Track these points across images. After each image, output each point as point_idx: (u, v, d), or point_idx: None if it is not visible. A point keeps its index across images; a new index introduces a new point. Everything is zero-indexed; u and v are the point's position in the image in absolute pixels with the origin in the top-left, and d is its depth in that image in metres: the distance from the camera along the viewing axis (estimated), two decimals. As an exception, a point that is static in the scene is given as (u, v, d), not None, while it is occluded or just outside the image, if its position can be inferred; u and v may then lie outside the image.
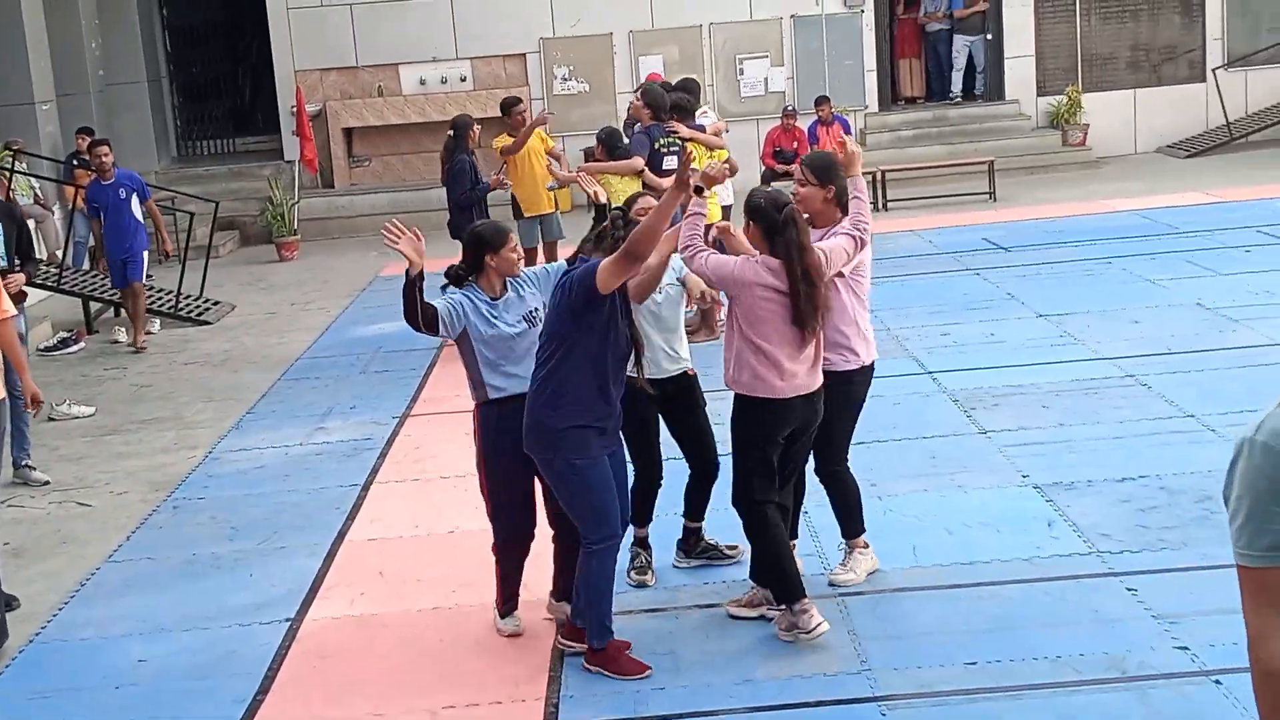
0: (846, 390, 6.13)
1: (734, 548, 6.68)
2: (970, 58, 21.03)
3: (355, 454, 9.23)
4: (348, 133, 20.36)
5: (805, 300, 5.65)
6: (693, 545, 6.75)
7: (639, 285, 5.74)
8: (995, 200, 17.78)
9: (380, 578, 7.08)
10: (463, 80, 20.32)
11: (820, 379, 5.90)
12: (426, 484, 8.51)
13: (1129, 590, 6.18)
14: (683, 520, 6.75)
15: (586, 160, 13.96)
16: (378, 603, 6.77)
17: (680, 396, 6.49)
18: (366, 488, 8.52)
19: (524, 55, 20.31)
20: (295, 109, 19.60)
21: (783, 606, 5.91)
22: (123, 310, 14.28)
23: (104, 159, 13.09)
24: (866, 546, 6.51)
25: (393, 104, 20.21)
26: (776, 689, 5.53)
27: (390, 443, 9.42)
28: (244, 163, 21.07)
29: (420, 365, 11.41)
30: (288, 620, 6.62)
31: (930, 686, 5.48)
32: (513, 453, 5.78)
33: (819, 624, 5.80)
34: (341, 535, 7.72)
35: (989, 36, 20.78)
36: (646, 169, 10.81)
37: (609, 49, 20.30)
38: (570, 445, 5.57)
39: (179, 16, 22.19)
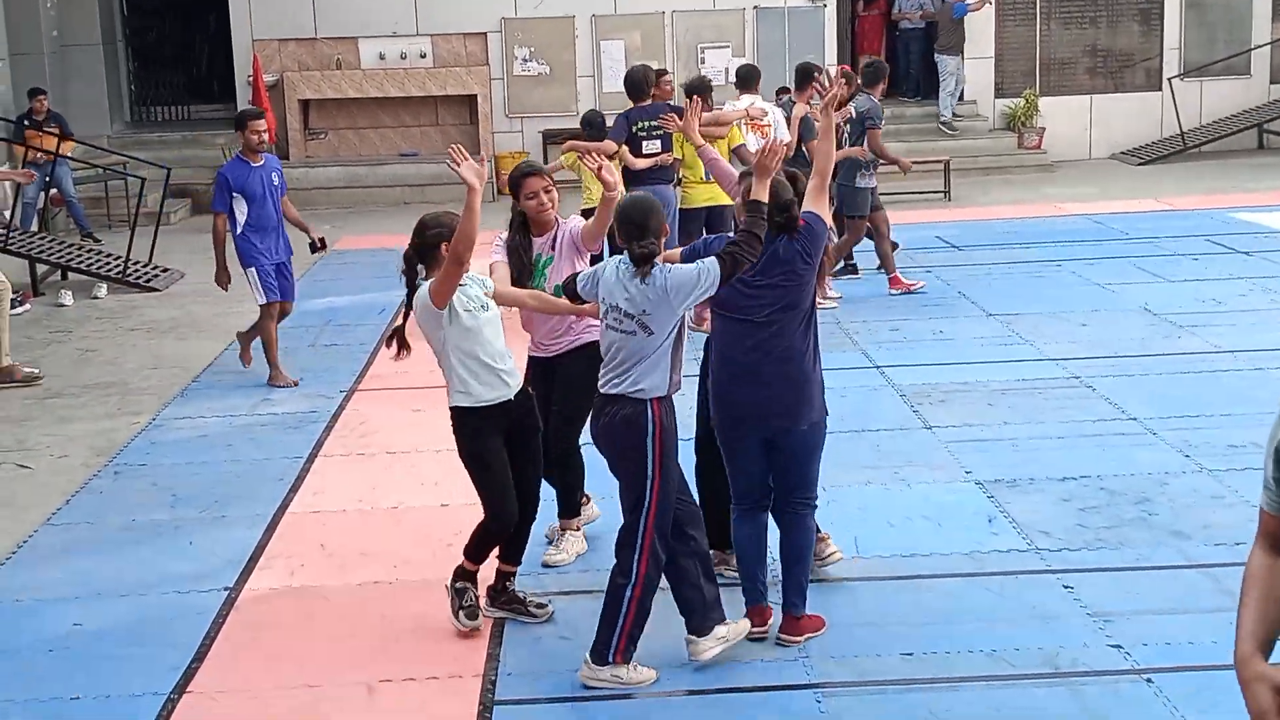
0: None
1: (543, 607, 6.09)
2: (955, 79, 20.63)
3: (300, 426, 9.18)
4: (304, 105, 20.19)
5: None
6: (499, 591, 6.11)
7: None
8: (950, 199, 17.88)
9: (321, 550, 7.05)
10: (422, 56, 20.21)
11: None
12: (371, 459, 8.47)
13: (1066, 588, 6.24)
14: (497, 563, 6.10)
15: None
16: (318, 575, 6.74)
17: (522, 418, 5.94)
18: (310, 460, 8.47)
19: (485, 34, 20.22)
20: (252, 78, 19.42)
21: None
22: (67, 274, 14.13)
23: (262, 135, 10.07)
24: (579, 529, 6.75)
25: (351, 78, 20.08)
26: (716, 674, 5.55)
27: (336, 417, 9.37)
28: (198, 130, 20.86)
29: (370, 340, 11.35)
30: (226, 590, 6.57)
31: (867, 675, 5.52)
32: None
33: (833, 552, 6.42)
34: (284, 507, 7.67)
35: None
36: (626, 152, 10.89)
37: (571, 32, 20.24)
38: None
39: (137, -20, 21.96)
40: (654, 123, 10.93)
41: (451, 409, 5.87)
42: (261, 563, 6.91)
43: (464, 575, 5.99)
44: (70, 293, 13.54)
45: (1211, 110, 20.98)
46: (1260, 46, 20.90)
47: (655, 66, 13.18)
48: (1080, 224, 15.61)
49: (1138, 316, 11.21)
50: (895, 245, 12.78)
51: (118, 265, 14.16)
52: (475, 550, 5.99)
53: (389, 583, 6.59)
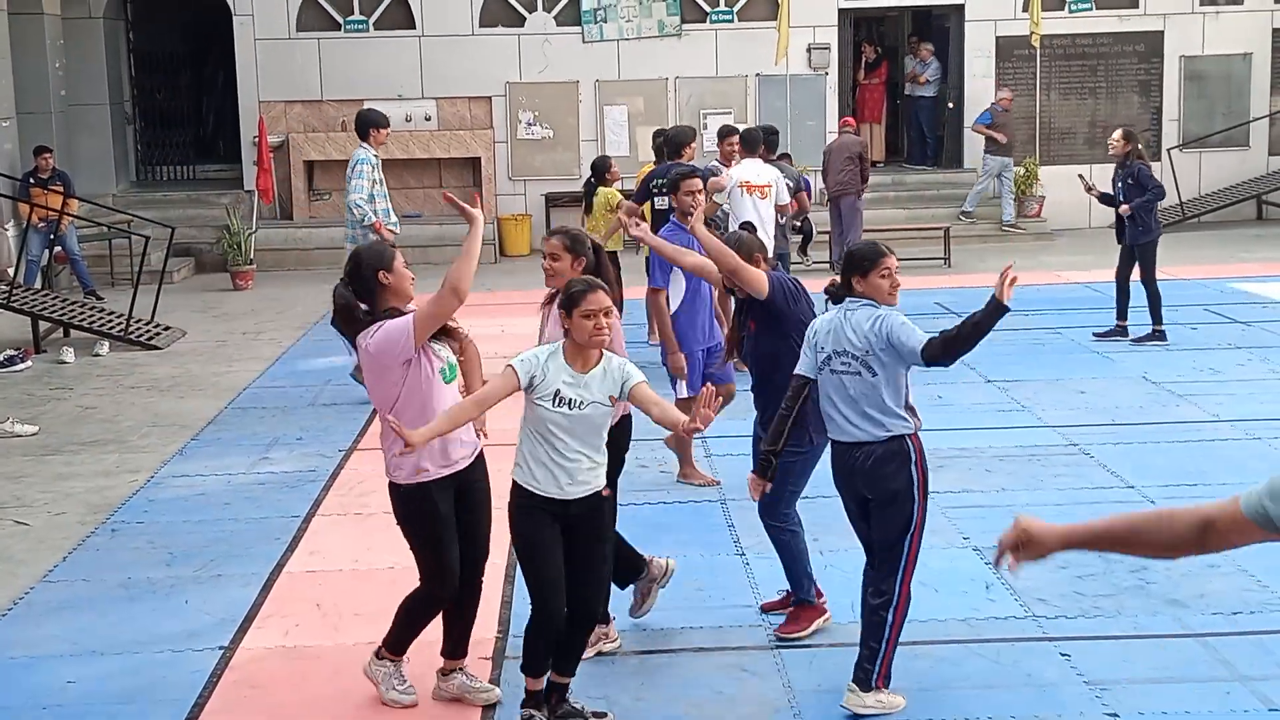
0: None
1: (602, 716, 5.63)
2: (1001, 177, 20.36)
3: (298, 485, 9.18)
4: (309, 165, 20.33)
5: None
6: (555, 705, 5.61)
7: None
8: (950, 266, 17.95)
9: (316, 610, 7.04)
10: (427, 119, 20.36)
11: None
12: (368, 519, 8.46)
13: (1062, 655, 6.23)
14: (549, 674, 5.63)
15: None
16: (312, 635, 6.72)
17: (584, 521, 5.46)
18: (308, 520, 8.47)
19: (489, 98, 20.38)
20: (257, 139, 19.56)
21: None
22: (69, 332, 14.16)
23: (697, 196, 8.71)
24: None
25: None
26: (708, 738, 5.53)
27: (334, 476, 9.38)
28: (203, 190, 20.98)
29: (368, 400, 11.34)
30: (220, 649, 6.56)
31: (862, 742, 5.49)
32: None
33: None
34: (280, 566, 7.67)
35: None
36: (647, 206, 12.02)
37: (575, 97, 20.41)
38: None
39: (146, 42, 22.12)
40: (664, 181, 11.29)
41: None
42: (256, 622, 6.90)
43: (532, 700, 5.53)
44: (72, 350, 13.57)
45: (1210, 181, 21.12)
46: (1259, 119, 21.06)
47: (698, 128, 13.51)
48: (1079, 292, 15.66)
49: (1136, 385, 11.24)
50: None
51: (120, 323, 14.21)
52: (536, 660, 5.53)
53: (384, 643, 6.57)
